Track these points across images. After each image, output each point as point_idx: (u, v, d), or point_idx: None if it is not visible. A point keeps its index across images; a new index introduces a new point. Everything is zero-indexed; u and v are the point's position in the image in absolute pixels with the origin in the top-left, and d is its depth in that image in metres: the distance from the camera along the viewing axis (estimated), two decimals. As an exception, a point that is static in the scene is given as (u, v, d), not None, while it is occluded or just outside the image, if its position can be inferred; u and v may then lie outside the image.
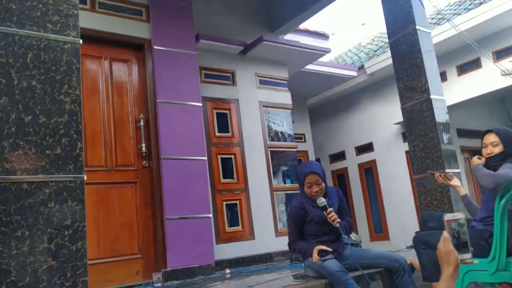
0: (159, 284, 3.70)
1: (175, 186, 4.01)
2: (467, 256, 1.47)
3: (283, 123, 5.55)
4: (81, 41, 2.27)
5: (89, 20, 4.00)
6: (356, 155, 9.40)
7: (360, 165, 9.32)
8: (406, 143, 8.69)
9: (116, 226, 3.83)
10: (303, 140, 8.89)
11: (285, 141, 5.50)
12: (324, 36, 8.64)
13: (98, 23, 4.05)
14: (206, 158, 4.28)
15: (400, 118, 8.43)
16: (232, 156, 5.00)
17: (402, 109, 4.28)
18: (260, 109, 5.35)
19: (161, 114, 4.11)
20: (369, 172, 9.25)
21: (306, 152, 8.87)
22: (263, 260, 4.81)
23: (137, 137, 4.08)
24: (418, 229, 7.08)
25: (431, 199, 4.00)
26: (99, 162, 3.87)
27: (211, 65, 5.09)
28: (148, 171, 4.07)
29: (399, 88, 4.34)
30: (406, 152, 8.65)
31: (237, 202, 4.90)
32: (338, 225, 2.91)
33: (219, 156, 4.89)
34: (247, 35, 5.41)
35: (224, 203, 4.81)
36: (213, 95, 5.02)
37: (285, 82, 5.73)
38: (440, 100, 4.15)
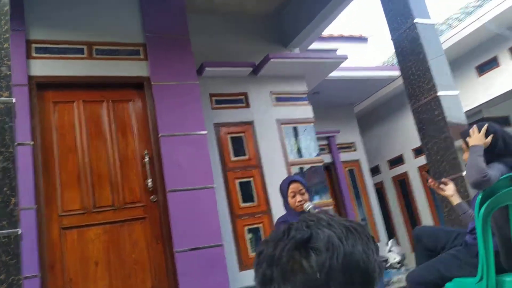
0: (173, 319, 3.71)
1: (183, 217, 4.02)
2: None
3: (306, 138, 5.36)
4: (14, 100, 2.36)
5: (88, 67, 4.22)
6: (415, 158, 8.81)
7: (420, 168, 8.71)
8: (466, 139, 8.06)
9: (128, 263, 3.92)
10: (353, 149, 8.57)
11: (310, 156, 5.30)
12: (361, 39, 8.31)
13: (97, 69, 4.24)
14: (214, 185, 4.24)
15: (455, 113, 7.86)
16: (251, 179, 4.92)
17: (413, 111, 3.93)
18: (278, 127, 5.23)
19: (164, 148, 4.17)
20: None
21: (357, 161, 8.52)
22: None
23: (143, 173, 4.17)
24: None
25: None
26: (106, 202, 4.00)
27: (222, 91, 5.10)
28: (156, 206, 4.13)
29: (406, 88, 4.00)
30: (467, 149, 7.97)
31: (260, 225, 4.80)
32: None
33: (237, 181, 4.84)
34: (259, 54, 5.34)
35: (246, 228, 4.73)
36: (226, 120, 5.01)
37: (304, 96, 5.55)
38: (452, 96, 3.75)
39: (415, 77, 3.86)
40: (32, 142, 3.77)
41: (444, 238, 2.59)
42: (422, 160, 8.71)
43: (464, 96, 7.68)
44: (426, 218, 8.64)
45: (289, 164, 5.13)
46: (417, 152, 8.75)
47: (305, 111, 5.48)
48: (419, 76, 3.81)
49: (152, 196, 4.14)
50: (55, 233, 3.76)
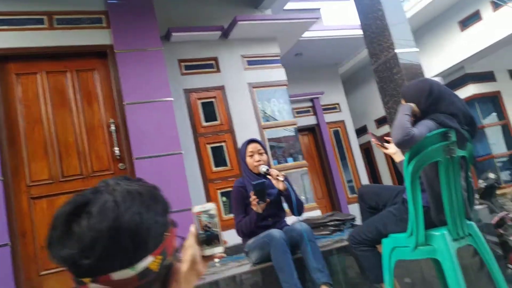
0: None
1: (151, 184, 4.08)
2: (219, 250, 1.34)
3: (279, 101, 5.36)
4: None
5: (49, 38, 4.19)
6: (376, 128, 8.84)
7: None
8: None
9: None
10: (337, 110, 8.54)
11: (283, 119, 5.31)
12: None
13: (59, 39, 4.21)
14: (181, 151, 4.28)
15: (438, 69, 7.80)
16: (223, 144, 4.96)
17: (374, 70, 3.91)
18: (250, 91, 5.22)
19: (129, 115, 4.19)
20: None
21: (342, 121, 8.52)
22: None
23: (110, 141, 4.22)
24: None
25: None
26: (74, 171, 4.06)
27: (191, 56, 5.06)
28: (126, 173, 4.19)
29: (367, 46, 3.96)
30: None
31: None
32: (282, 178, 2.73)
33: (208, 146, 4.88)
34: (230, 17, 5.26)
35: (218, 191, 4.81)
36: (196, 85, 5.00)
37: (277, 58, 5.50)
38: (411, 54, 3.71)
39: (375, 35, 3.82)
40: (-6, 115, 3.80)
41: (385, 196, 2.63)
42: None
43: (448, 52, 7.62)
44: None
45: (261, 128, 5.15)
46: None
47: (278, 73, 5.45)
48: (378, 34, 3.77)
49: (120, 164, 4.20)
50: (24, 203, 3.84)
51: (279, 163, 5.15)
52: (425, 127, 2.22)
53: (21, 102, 4.03)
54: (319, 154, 8.25)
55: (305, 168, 5.28)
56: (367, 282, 2.77)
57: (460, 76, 7.66)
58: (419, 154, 2.16)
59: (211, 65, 5.15)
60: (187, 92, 4.90)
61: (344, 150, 8.38)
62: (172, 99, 4.36)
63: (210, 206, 1.38)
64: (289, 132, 5.34)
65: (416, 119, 2.34)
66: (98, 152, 4.18)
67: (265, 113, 5.24)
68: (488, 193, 6.21)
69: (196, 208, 1.39)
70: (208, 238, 1.35)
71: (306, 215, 4.72)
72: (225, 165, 4.91)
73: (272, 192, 2.91)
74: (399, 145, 2.15)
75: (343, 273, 2.90)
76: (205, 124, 4.94)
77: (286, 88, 5.44)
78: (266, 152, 3.02)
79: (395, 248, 2.38)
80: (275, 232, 2.63)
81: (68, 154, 4.08)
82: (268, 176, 2.85)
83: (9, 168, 3.82)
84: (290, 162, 5.22)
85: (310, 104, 8.31)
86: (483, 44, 6.84)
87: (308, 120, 8.25)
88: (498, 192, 6.81)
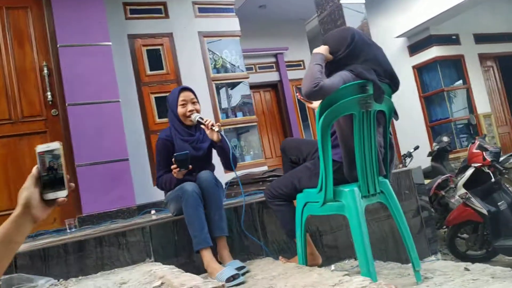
0: (73, 229, 3.71)
1: (85, 132, 3.91)
2: (63, 194, 1.21)
3: (231, 53, 5.15)
4: None
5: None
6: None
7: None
8: (413, 57, 7.92)
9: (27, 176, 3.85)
10: (302, 67, 8.38)
11: (234, 72, 5.13)
12: None
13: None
14: (119, 100, 4.09)
15: (403, 30, 7.64)
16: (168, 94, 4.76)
17: (319, 22, 3.74)
18: (200, 40, 4.99)
19: (63, 59, 3.95)
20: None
21: (305, 79, 8.34)
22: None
23: (43, 86, 3.99)
24: (430, 149, 6.49)
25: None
26: (2, 116, 3.85)
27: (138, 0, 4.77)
28: (58, 120, 4.00)
29: (314, -2, 3.77)
30: (413, 67, 7.84)
31: (176, 141, 4.73)
32: (217, 129, 2.57)
33: (152, 96, 4.69)
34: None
35: (161, 144, 4.66)
36: (142, 31, 4.74)
37: (231, 7, 5.25)
38: (357, 5, 3.54)
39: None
40: None
41: (306, 150, 2.53)
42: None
43: (413, 11, 7.44)
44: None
45: (210, 80, 4.97)
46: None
47: (231, 23, 5.21)
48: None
49: (53, 110, 3.99)
50: None
51: (227, 117, 5.01)
52: (339, 77, 2.10)
53: None
54: (280, 111, 8.14)
55: (255, 124, 5.16)
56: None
57: (425, 37, 7.53)
58: (331, 106, 2.05)
59: (159, 10, 4.87)
60: (132, 38, 4.65)
61: (306, 110, 8.27)
62: (110, 43, 4.12)
63: (55, 146, 1.23)
64: (240, 86, 5.18)
65: (332, 69, 2.21)
66: (29, 96, 3.96)
67: (216, 64, 5.04)
68: (441, 156, 6.27)
69: (39, 148, 1.24)
70: (51, 180, 1.22)
71: (249, 170, 4.65)
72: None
73: (202, 147, 2.77)
74: (308, 96, 2.03)
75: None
76: (149, 72, 4.72)
77: (239, 39, 5.22)
78: (198, 102, 2.84)
79: (307, 203, 2.32)
80: (188, 185, 2.51)
81: (-4, 97, 3.85)
82: (202, 126, 2.69)
83: None
84: (239, 117, 5.08)
85: (273, 59, 8.11)
86: (448, 4, 6.67)
87: (271, 76, 8.07)
88: (452, 156, 6.90)
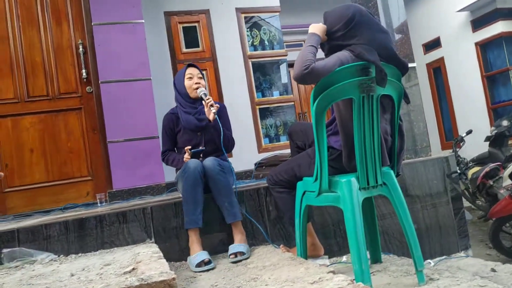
0: (103, 203, 3.84)
1: (116, 109, 4.00)
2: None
3: (270, 29, 5.00)
4: None
5: (17, -51, 3.99)
6: (424, 54, 8.12)
7: (428, 65, 8.07)
8: (476, 33, 7.27)
9: (64, 151, 4.02)
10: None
11: (272, 49, 4.99)
12: None
13: (27, -49, 4.01)
14: (150, 78, 4.12)
15: (466, 3, 7.01)
16: (204, 72, 4.72)
17: (352, -4, 3.47)
18: (237, 17, 4.88)
19: (97, 37, 4.03)
20: (437, 72, 7.96)
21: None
22: (242, 178, 4.64)
23: (79, 63, 4.10)
24: (489, 133, 6.04)
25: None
26: (40, 92, 4.01)
27: (175, -24, 4.74)
28: (93, 97, 4.10)
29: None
30: (476, 44, 7.20)
31: (211, 120, 4.71)
32: (214, 110, 2.64)
33: (187, 74, 4.67)
34: None
35: (196, 123, 4.67)
36: (178, 8, 4.72)
37: (271, -19, 5.07)
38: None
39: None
40: (-44, 30, 3.74)
41: (312, 136, 2.39)
42: (430, 56, 8.04)
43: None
44: (431, 119, 8.16)
45: (247, 57, 4.87)
46: (427, 47, 8.06)
47: (269, -2, 5.05)
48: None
49: (87, 87, 4.11)
50: (-12, 121, 3.87)
51: (263, 95, 4.90)
52: (335, 58, 1.93)
53: (-14, 18, 3.94)
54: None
55: (292, 103, 5.01)
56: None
57: (490, 11, 6.85)
58: (326, 90, 1.90)
59: (196, -14, 4.82)
60: (168, 15, 4.64)
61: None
62: (143, 21, 4.14)
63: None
64: (277, 63, 5.03)
65: (330, 49, 2.04)
66: (65, 73, 4.09)
67: (253, 42, 4.92)
68: (499, 141, 5.75)
69: None
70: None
71: (281, 152, 4.55)
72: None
73: (205, 117, 2.77)
74: (299, 79, 1.89)
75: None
76: (185, 50, 4.71)
77: (278, 15, 5.05)
78: (204, 79, 2.87)
79: (306, 192, 2.19)
80: (191, 162, 2.50)
81: (35, 74, 4.01)
82: (203, 102, 2.73)
83: (-27, 84, 3.82)
84: (276, 96, 4.95)
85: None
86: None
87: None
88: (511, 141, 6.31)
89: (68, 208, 3.73)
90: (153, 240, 2.44)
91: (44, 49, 4.04)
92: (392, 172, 2.09)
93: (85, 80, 4.08)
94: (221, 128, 2.64)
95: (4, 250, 2.23)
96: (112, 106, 3.99)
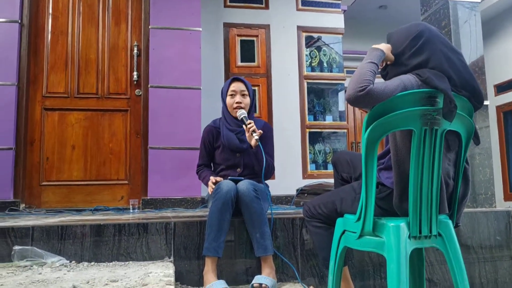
0: (136, 210, 3.72)
1: (162, 115, 3.90)
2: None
3: (330, 51, 4.77)
4: None
5: None
6: (495, 95, 7.54)
7: (498, 108, 7.48)
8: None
9: (105, 152, 3.95)
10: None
11: (331, 71, 4.74)
12: None
13: (97, -49, 4.05)
14: (201, 87, 4.00)
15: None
16: (256, 88, 4.57)
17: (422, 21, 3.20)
18: (298, 35, 4.69)
19: (153, 40, 3.97)
20: (508, 116, 7.35)
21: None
22: (282, 203, 4.38)
23: (131, 65, 4.05)
24: None
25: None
26: (90, 90, 3.99)
27: (239, -13, 4.64)
28: (141, 100, 4.03)
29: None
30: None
31: (257, 138, 4.51)
32: (257, 137, 2.39)
33: (239, 88, 4.52)
34: None
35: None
36: (238, 20, 4.60)
37: (338, 2, 4.85)
38: (468, 3, 2.95)
39: (432, -22, 3.08)
40: (19, 21, 3.79)
41: (359, 167, 2.11)
42: (503, 98, 7.45)
43: None
44: (496, 164, 7.54)
45: (303, 78, 4.66)
46: (499, 89, 7.50)
47: (335, 19, 4.82)
48: (435, -23, 3.04)
49: (137, 90, 4.04)
50: (37, 112, 3.87)
51: (315, 119, 4.65)
52: (398, 81, 1.66)
53: (51, 12, 3.98)
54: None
55: (344, 131, 4.72)
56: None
57: None
58: (382, 117, 1.63)
59: (259, 0, 4.68)
60: (227, 26, 4.53)
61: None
62: (200, 29, 4.04)
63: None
64: (334, 87, 4.77)
65: (394, 73, 1.77)
66: (117, 74, 4.05)
67: (311, 62, 4.70)
68: None
69: None
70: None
71: (326, 180, 4.25)
72: (255, 111, 4.53)
73: (247, 140, 2.54)
74: (352, 102, 1.63)
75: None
76: (240, 64, 4.56)
77: (341, 37, 4.81)
78: (250, 95, 2.63)
79: (346, 232, 1.91)
80: (225, 184, 2.27)
81: (87, 71, 4.00)
82: (243, 126, 2.50)
83: (28, 76, 3.84)
84: (328, 121, 4.69)
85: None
86: None
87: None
88: None
89: (98, 210, 3.63)
90: (171, 259, 2.24)
91: (100, 47, 4.04)
92: (450, 222, 1.77)
93: (135, 82, 4.01)
94: (264, 157, 2.40)
95: (16, 247, 2.10)
96: (158, 112, 3.90)
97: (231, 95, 2.64)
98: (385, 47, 1.79)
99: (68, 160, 3.87)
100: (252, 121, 2.49)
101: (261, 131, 2.45)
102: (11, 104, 3.69)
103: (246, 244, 2.36)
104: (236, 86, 2.64)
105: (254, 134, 2.40)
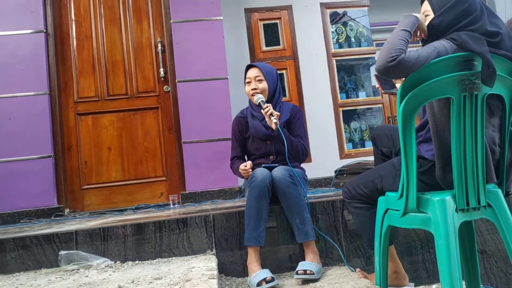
0: (176, 205, 3.74)
1: (192, 109, 3.89)
2: None
3: (357, 25, 4.62)
4: None
5: (103, -50, 4.05)
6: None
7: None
8: None
9: (140, 150, 3.99)
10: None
11: (359, 46, 4.59)
12: None
13: (112, -49, 4.05)
14: (227, 77, 3.96)
15: None
16: (284, 72, 4.48)
17: None
18: (322, 12, 4.56)
19: (175, 35, 3.95)
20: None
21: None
22: (322, 185, 4.31)
23: (157, 62, 4.06)
24: None
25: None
26: (120, 91, 4.02)
27: (258, -31, 4.54)
28: (170, 96, 4.03)
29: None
30: None
31: (290, 122, 4.44)
32: (275, 120, 2.35)
33: (266, 73, 4.45)
34: None
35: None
36: (259, 4, 4.51)
37: (360, -28, 4.67)
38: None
39: None
40: (44, 30, 3.85)
41: (399, 142, 2.02)
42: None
43: None
44: None
45: (331, 55, 4.53)
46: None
47: (359, -8, 4.65)
48: None
49: (165, 86, 4.05)
50: (71, 118, 3.95)
51: (347, 97, 4.53)
52: (431, 48, 1.56)
53: (73, 18, 4.03)
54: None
55: (380, 105, 4.58)
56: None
57: None
58: (417, 87, 1.54)
59: (279, -19, 4.58)
60: (248, 12, 4.46)
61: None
62: (221, 18, 3.98)
63: None
64: (364, 62, 4.63)
65: (430, 40, 1.67)
66: (144, 72, 4.06)
67: (338, 39, 4.57)
68: None
69: None
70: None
71: (365, 158, 4.15)
72: (284, 95, 4.46)
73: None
74: (381, 73, 1.54)
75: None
76: (265, 48, 4.48)
77: (367, 10, 4.64)
78: (266, 79, 2.57)
79: (388, 210, 1.84)
80: (259, 172, 2.24)
81: (115, 73, 4.03)
82: (261, 111, 2.46)
83: (59, 83, 3.91)
84: (362, 97, 4.55)
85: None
86: None
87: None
88: None
89: (139, 208, 3.67)
90: (214, 251, 2.23)
91: (125, 48, 4.06)
92: (499, 191, 1.66)
93: (162, 79, 4.02)
94: (285, 139, 2.35)
95: (62, 252, 2.15)
96: (188, 106, 3.89)
97: (248, 82, 2.64)
98: (418, 14, 1.69)
99: (106, 162, 3.94)
100: (269, 104, 2.43)
101: (278, 113, 2.40)
102: (45, 113, 3.77)
103: (287, 231, 2.32)
104: (250, 73, 2.63)
105: (272, 118, 2.35)
